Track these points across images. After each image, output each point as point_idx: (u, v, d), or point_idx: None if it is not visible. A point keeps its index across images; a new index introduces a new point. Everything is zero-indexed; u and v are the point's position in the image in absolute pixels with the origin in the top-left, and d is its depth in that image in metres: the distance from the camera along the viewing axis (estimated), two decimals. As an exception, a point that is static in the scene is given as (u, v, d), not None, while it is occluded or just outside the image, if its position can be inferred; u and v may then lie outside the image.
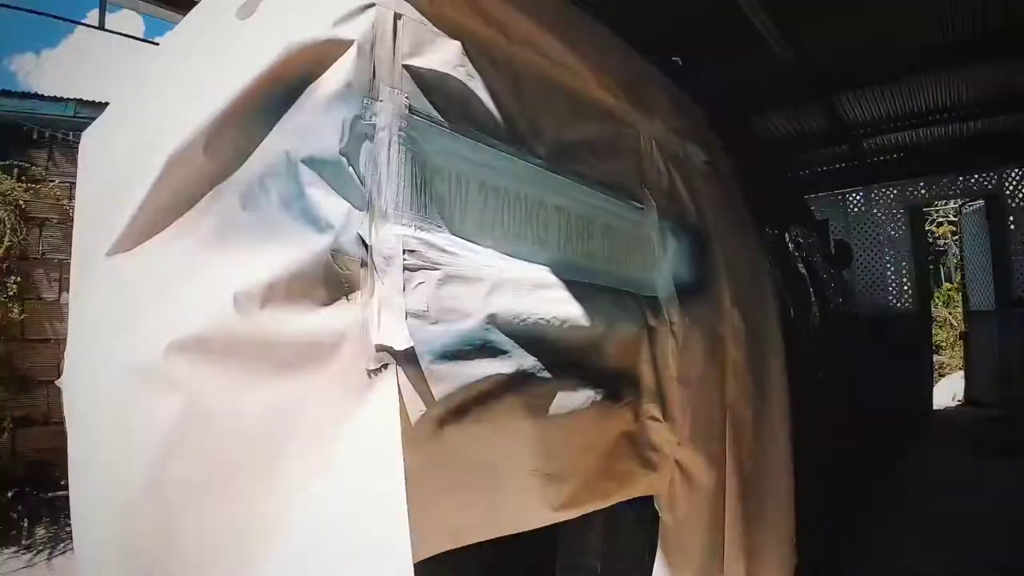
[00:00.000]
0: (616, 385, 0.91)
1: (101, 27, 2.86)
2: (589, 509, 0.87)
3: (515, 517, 0.78)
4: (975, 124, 3.64)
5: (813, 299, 1.92)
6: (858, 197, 4.99)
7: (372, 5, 0.66)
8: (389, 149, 0.66)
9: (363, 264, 0.62)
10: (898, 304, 4.79)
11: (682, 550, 1.05)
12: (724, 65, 2.35)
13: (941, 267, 8.07)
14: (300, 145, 0.61)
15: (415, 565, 0.59)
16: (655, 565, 1.04)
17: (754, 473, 1.24)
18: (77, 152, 0.80)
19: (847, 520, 1.57)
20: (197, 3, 0.78)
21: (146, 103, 0.74)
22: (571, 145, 0.93)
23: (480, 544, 0.73)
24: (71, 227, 0.75)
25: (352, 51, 0.63)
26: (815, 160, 4.02)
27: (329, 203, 0.61)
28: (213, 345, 0.55)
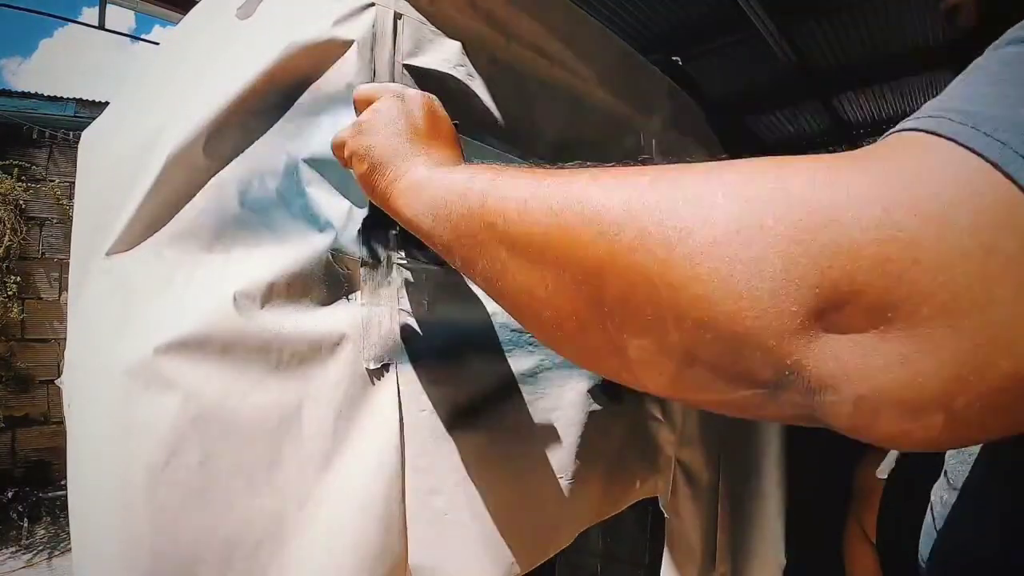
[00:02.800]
0: (618, 385, 0.91)
1: (101, 27, 2.86)
2: (600, 518, 0.86)
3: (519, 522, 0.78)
4: (975, 124, 3.63)
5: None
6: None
7: (372, 5, 0.66)
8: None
9: (363, 264, 0.62)
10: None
11: (687, 549, 1.05)
12: (724, 65, 2.36)
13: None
14: (300, 144, 0.62)
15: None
16: (663, 565, 1.03)
17: (747, 471, 1.24)
18: (77, 152, 0.80)
19: (837, 520, 1.58)
20: (197, 3, 0.78)
21: (146, 103, 0.74)
22: (571, 144, 0.93)
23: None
24: (71, 227, 0.75)
25: (352, 51, 0.63)
26: (815, 160, 4.02)
27: (329, 202, 0.61)
28: (213, 345, 0.55)
